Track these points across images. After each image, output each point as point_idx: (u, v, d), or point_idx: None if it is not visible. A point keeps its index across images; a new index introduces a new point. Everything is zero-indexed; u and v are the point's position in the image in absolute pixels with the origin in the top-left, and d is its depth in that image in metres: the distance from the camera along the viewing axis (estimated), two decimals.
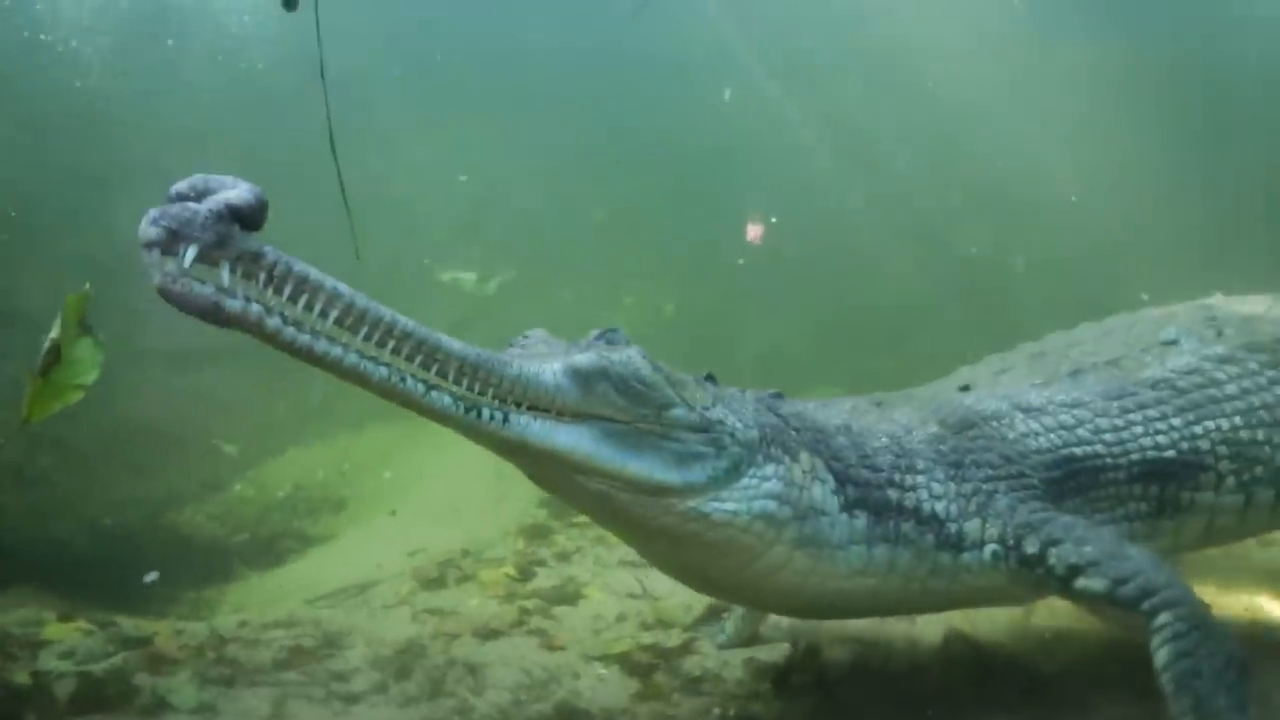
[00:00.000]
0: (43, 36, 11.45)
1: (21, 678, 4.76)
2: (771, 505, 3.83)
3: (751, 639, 5.36)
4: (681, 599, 5.97)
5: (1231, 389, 4.51)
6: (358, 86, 14.32)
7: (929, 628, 5.43)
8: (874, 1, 14.47)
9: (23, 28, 11.48)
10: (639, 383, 3.70)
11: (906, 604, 4.30)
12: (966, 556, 4.05)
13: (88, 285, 4.70)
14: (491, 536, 7.63)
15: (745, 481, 3.81)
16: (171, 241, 2.84)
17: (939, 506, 4.07)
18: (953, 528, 4.05)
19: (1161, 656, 3.77)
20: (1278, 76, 12.37)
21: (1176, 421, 4.40)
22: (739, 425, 3.87)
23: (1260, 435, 4.46)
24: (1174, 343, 4.68)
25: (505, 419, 3.45)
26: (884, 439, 4.20)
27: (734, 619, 5.40)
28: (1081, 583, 3.90)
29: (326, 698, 4.79)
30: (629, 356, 3.72)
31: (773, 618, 5.46)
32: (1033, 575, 4.00)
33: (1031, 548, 3.98)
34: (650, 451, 3.69)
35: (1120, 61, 12.99)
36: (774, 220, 12.93)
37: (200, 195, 2.90)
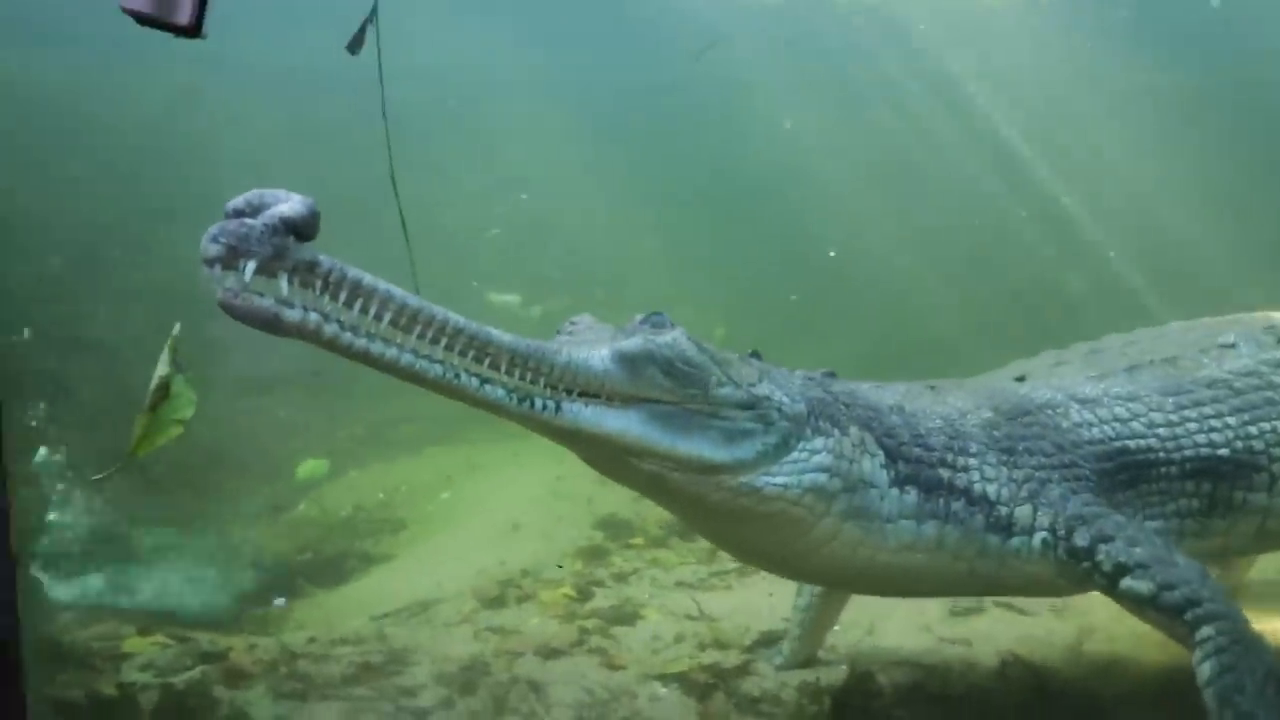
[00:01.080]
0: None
1: (107, 689, 4.94)
2: (821, 478, 3.87)
3: (809, 660, 5.38)
4: (739, 621, 6.03)
5: None
6: (417, 119, 14.68)
7: (985, 651, 5.46)
8: (939, 32, 14.49)
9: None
10: (685, 364, 3.75)
11: (953, 585, 4.31)
12: (1015, 541, 4.08)
13: (178, 326, 4.95)
14: (549, 558, 7.70)
15: (795, 455, 3.85)
16: (231, 257, 2.92)
17: (990, 489, 4.10)
18: (1004, 511, 4.08)
19: (1205, 671, 3.79)
20: None
21: (1231, 421, 4.40)
22: (786, 400, 3.90)
23: None
24: (1232, 346, 4.67)
25: (558, 407, 3.52)
26: (938, 420, 4.23)
27: (790, 640, 5.42)
28: (1127, 583, 3.92)
29: (396, 712, 4.90)
30: (674, 339, 3.76)
31: (830, 639, 5.51)
32: (1079, 568, 4.02)
33: (1082, 540, 4.00)
34: (699, 431, 3.73)
35: (1185, 87, 12.94)
36: (831, 254, 12.90)
37: (256, 210, 2.99)
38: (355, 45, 3.56)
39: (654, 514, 8.37)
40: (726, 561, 7.45)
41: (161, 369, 5.30)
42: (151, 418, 5.13)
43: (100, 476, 5.91)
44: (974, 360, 5.04)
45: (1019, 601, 6.11)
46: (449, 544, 8.79)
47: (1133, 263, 11.22)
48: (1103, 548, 3.98)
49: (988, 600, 6.16)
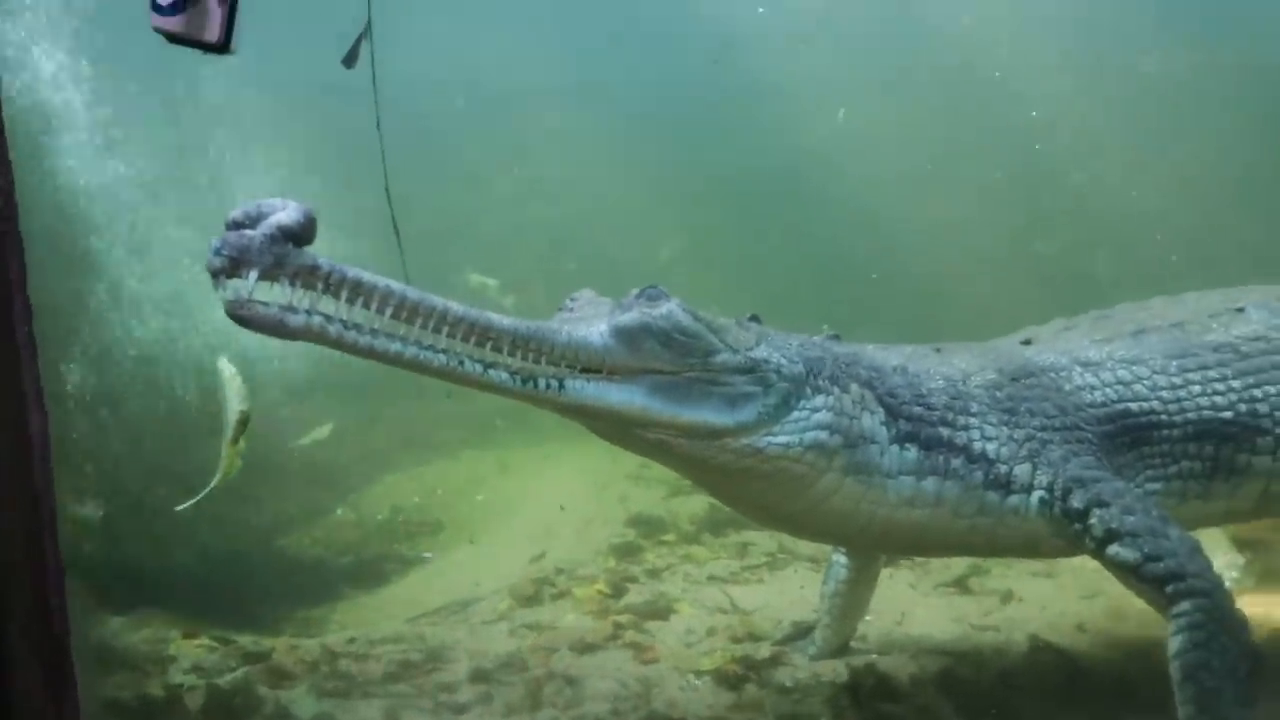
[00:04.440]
0: None
1: (155, 690, 5.08)
2: (823, 435, 3.95)
3: (841, 650, 5.42)
4: (771, 613, 6.10)
5: None
6: (439, 122, 14.84)
7: (1016, 636, 5.49)
8: (955, 23, 14.42)
9: None
10: (681, 334, 3.82)
11: (953, 542, 4.36)
12: (1014, 499, 4.13)
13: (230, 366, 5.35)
14: (583, 556, 7.76)
15: (796, 414, 3.93)
16: (235, 268, 3.05)
17: (990, 447, 4.15)
18: (1003, 469, 4.14)
19: (1175, 644, 3.85)
20: None
21: (1236, 384, 4.40)
22: (784, 362, 3.98)
23: None
24: (1241, 311, 4.66)
25: (561, 385, 3.62)
26: (940, 381, 4.29)
27: (821, 630, 5.46)
28: (1115, 549, 3.97)
29: (435, 708, 4.98)
30: (669, 310, 3.83)
31: (861, 628, 5.55)
32: (1072, 529, 4.06)
33: (1078, 502, 4.04)
34: (700, 398, 3.81)
35: (1209, 66, 12.80)
36: (874, 276, 12.74)
37: (255, 221, 3.09)
38: (350, 60, 3.64)
39: (686, 511, 8.43)
40: (758, 555, 7.51)
41: (239, 404, 5.65)
42: (234, 450, 5.54)
43: (184, 507, 6.12)
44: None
45: (1048, 588, 6.14)
46: (485, 545, 8.88)
47: (1165, 247, 11.11)
48: (1096, 512, 4.02)
49: (1017, 587, 6.19)
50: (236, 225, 3.10)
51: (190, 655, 5.80)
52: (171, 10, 3.29)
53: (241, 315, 3.13)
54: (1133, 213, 12.05)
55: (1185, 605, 3.88)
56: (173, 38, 3.37)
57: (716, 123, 15.32)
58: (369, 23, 3.64)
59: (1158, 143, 12.68)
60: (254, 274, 3.05)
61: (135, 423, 9.57)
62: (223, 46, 3.36)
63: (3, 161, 3.33)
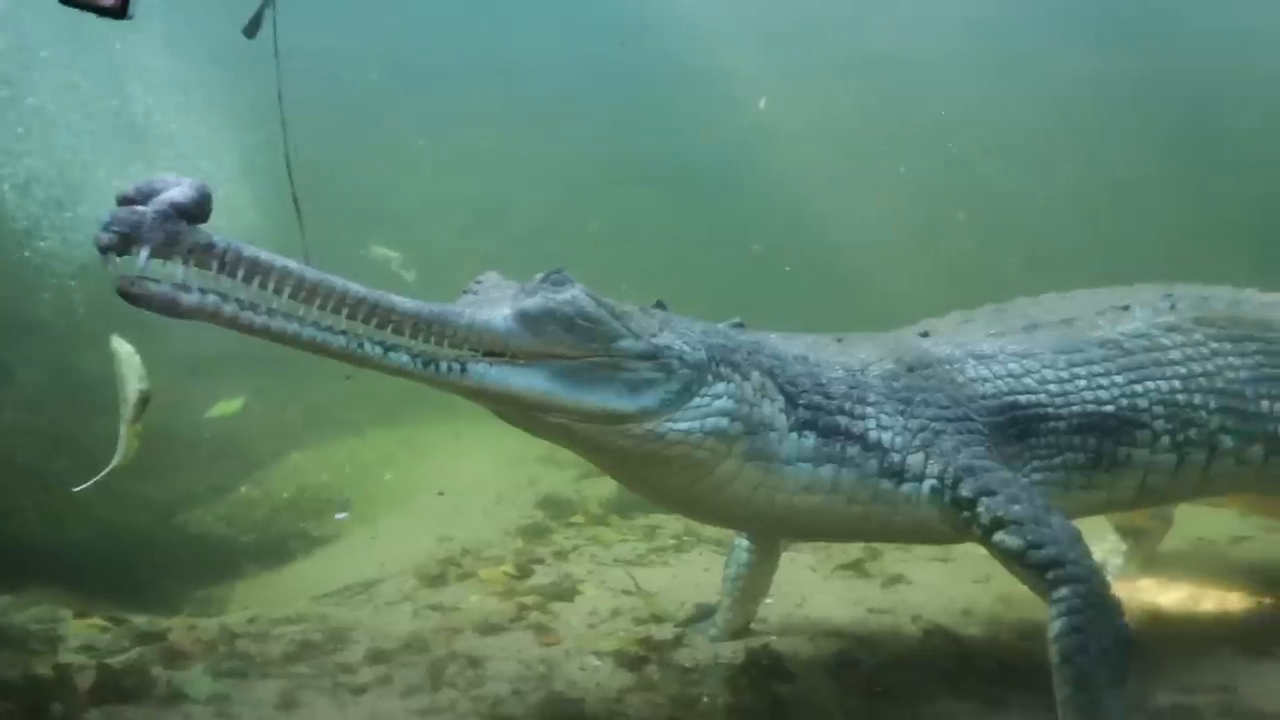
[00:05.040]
0: None
1: (44, 670, 4.91)
2: (723, 422, 4.00)
3: (742, 631, 5.50)
4: (674, 595, 6.14)
5: (1175, 355, 4.70)
6: (357, 94, 14.57)
7: (910, 621, 5.63)
8: (873, 15, 14.59)
9: None
10: (585, 320, 3.82)
11: (849, 528, 4.45)
12: (906, 488, 4.24)
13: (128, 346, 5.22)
14: (490, 537, 7.75)
15: (697, 401, 3.96)
16: (125, 245, 2.97)
17: (885, 436, 4.25)
18: (896, 458, 4.23)
19: (1054, 628, 3.99)
20: (1269, 90, 12.53)
21: (1119, 379, 4.58)
22: (686, 349, 4.00)
23: (1197, 400, 4.66)
24: (1126, 309, 4.85)
25: (463, 369, 3.60)
26: (840, 371, 4.37)
27: (722, 612, 5.54)
28: (1000, 536, 4.10)
29: (334, 688, 4.92)
30: (573, 295, 3.83)
31: (762, 611, 5.64)
32: (960, 516, 4.18)
33: (966, 491, 4.16)
34: (603, 383, 3.83)
35: (1114, 72, 13.16)
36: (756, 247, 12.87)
37: (146, 197, 3.02)
38: (252, 29, 3.57)
39: (595, 493, 8.49)
40: (665, 538, 7.59)
41: (138, 383, 5.50)
42: (135, 430, 5.40)
43: (83, 487, 5.94)
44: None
45: (942, 572, 6.32)
46: (392, 524, 8.82)
47: (1063, 243, 11.46)
48: (984, 500, 4.14)
49: (912, 571, 6.36)
50: (128, 201, 3.01)
51: (82, 635, 5.64)
52: None
53: (132, 293, 3.05)
54: (1037, 210, 12.37)
55: (1064, 591, 4.04)
56: (68, 1, 3.28)
57: (640, 106, 15.32)
58: None
59: (1062, 144, 13.03)
60: (145, 251, 2.98)
61: (32, 393, 9.31)
62: (120, 11, 3.29)
63: None
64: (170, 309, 3.10)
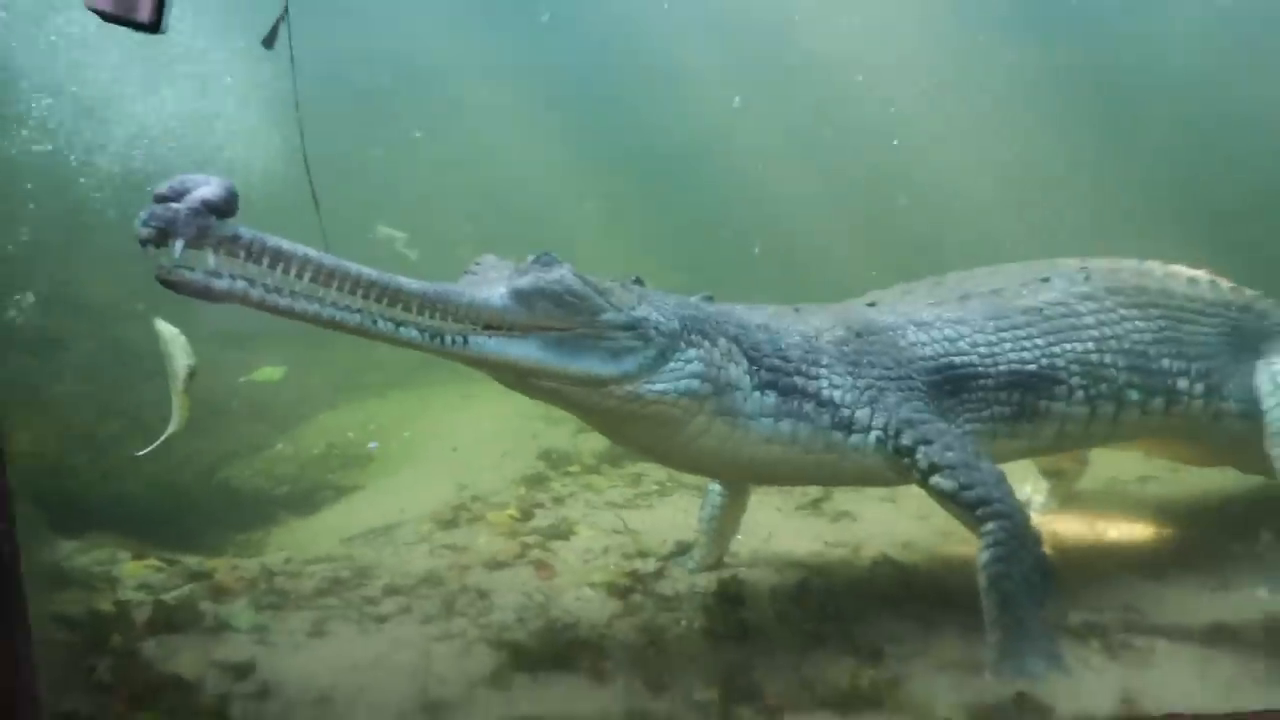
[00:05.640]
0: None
1: (105, 606, 4.95)
2: (695, 383, 4.08)
3: (716, 564, 5.58)
4: (658, 534, 6.19)
5: (1089, 320, 4.78)
6: (373, 93, 14.42)
7: (861, 553, 5.71)
8: (831, 17, 14.43)
9: None
10: (571, 296, 3.89)
11: (805, 474, 4.55)
12: (855, 438, 4.32)
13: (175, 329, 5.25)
14: (497, 485, 7.76)
15: (671, 365, 4.04)
16: (161, 238, 3.03)
17: (836, 394, 4.32)
18: (846, 412, 4.31)
19: (984, 557, 4.11)
20: (1189, 82, 12.53)
21: (1040, 342, 4.66)
22: (661, 319, 4.07)
23: (1107, 359, 4.75)
24: (1047, 280, 4.92)
25: (465, 341, 3.67)
26: (797, 337, 4.43)
27: (698, 548, 5.62)
28: (936, 479, 4.21)
29: (359, 618, 4.98)
30: (561, 275, 3.90)
31: (734, 546, 5.71)
32: (902, 463, 4.29)
33: (907, 440, 4.26)
34: (588, 351, 3.90)
35: (1045, 64, 13.10)
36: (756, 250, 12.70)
37: (180, 195, 3.06)
38: (269, 41, 3.55)
39: (588, 446, 8.51)
40: (650, 484, 7.64)
41: (185, 359, 5.55)
42: (185, 401, 5.45)
43: (144, 452, 5.99)
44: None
45: (889, 511, 6.39)
46: (409, 474, 8.84)
47: (999, 224, 11.45)
48: (922, 448, 4.24)
49: (864, 509, 6.44)
50: (162, 199, 3.05)
51: (138, 575, 5.68)
52: None
53: (169, 280, 3.11)
54: (976, 195, 12.36)
55: (991, 526, 4.14)
56: (106, 16, 3.24)
57: (623, 103, 15.19)
58: (286, 7, 3.55)
59: (999, 134, 12.99)
60: (179, 244, 3.02)
61: (89, 364, 9.27)
62: (154, 26, 3.25)
63: None
64: (204, 294, 3.14)
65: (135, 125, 11.04)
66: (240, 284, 3.18)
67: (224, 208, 3.10)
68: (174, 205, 3.03)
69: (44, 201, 10.22)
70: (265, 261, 3.21)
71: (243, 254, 3.17)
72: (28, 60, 10.46)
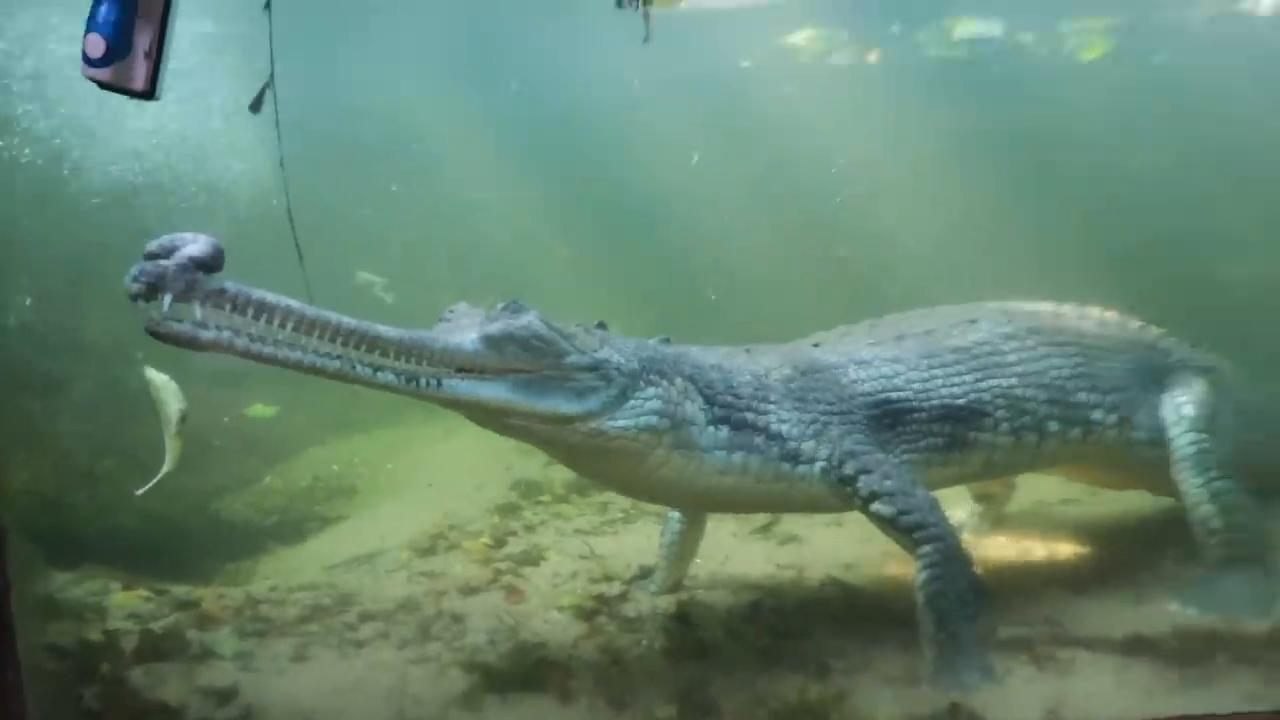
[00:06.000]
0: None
1: (95, 635, 4.83)
2: (654, 419, 4.07)
3: (676, 587, 5.54)
4: (622, 559, 6.12)
5: (1012, 358, 4.83)
6: (369, 153, 14.41)
7: (810, 574, 5.68)
8: (757, 79, 14.63)
9: None
10: (538, 340, 3.88)
11: (757, 502, 4.56)
12: (802, 468, 4.33)
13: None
14: (473, 514, 7.64)
15: (632, 402, 4.03)
16: (151, 293, 3.02)
17: (784, 428, 4.32)
18: (793, 445, 4.32)
19: (921, 577, 4.14)
20: (1092, 143, 12.90)
21: (969, 378, 4.70)
22: (621, 361, 4.07)
23: (1029, 393, 4.79)
24: (974, 322, 4.97)
25: (439, 384, 3.66)
26: (748, 375, 4.43)
27: (660, 572, 5.57)
28: (876, 506, 4.23)
29: (340, 644, 4.89)
30: (528, 321, 3.90)
31: (693, 570, 5.68)
32: (844, 490, 4.29)
33: (849, 470, 4.27)
34: (554, 392, 3.89)
35: (970, 127, 13.38)
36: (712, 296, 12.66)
37: (169, 252, 3.06)
38: (256, 106, 3.56)
39: (559, 477, 8.41)
40: (615, 511, 7.55)
41: (177, 404, 5.50)
42: (180, 441, 5.38)
43: (141, 491, 5.88)
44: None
45: (837, 535, 6.38)
46: (390, 505, 8.71)
47: (930, 269, 11.58)
48: (863, 478, 4.26)
49: (812, 534, 6.42)
50: (152, 256, 3.04)
51: (127, 605, 5.53)
52: (102, 63, 3.17)
53: (159, 332, 3.09)
54: (907, 245, 12.50)
55: (927, 548, 4.16)
56: (103, 85, 3.23)
57: (590, 161, 15.28)
58: (272, 75, 3.56)
59: (929, 192, 13.20)
60: (168, 298, 3.01)
61: (87, 404, 9.07)
62: (148, 94, 3.25)
63: None
64: (191, 344, 3.12)
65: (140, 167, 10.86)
66: (226, 334, 3.16)
67: (211, 264, 3.09)
68: (163, 262, 3.02)
69: (48, 244, 10.05)
70: (250, 313, 3.19)
71: (229, 306, 3.15)
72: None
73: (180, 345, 3.14)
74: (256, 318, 3.20)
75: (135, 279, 3.01)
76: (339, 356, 3.39)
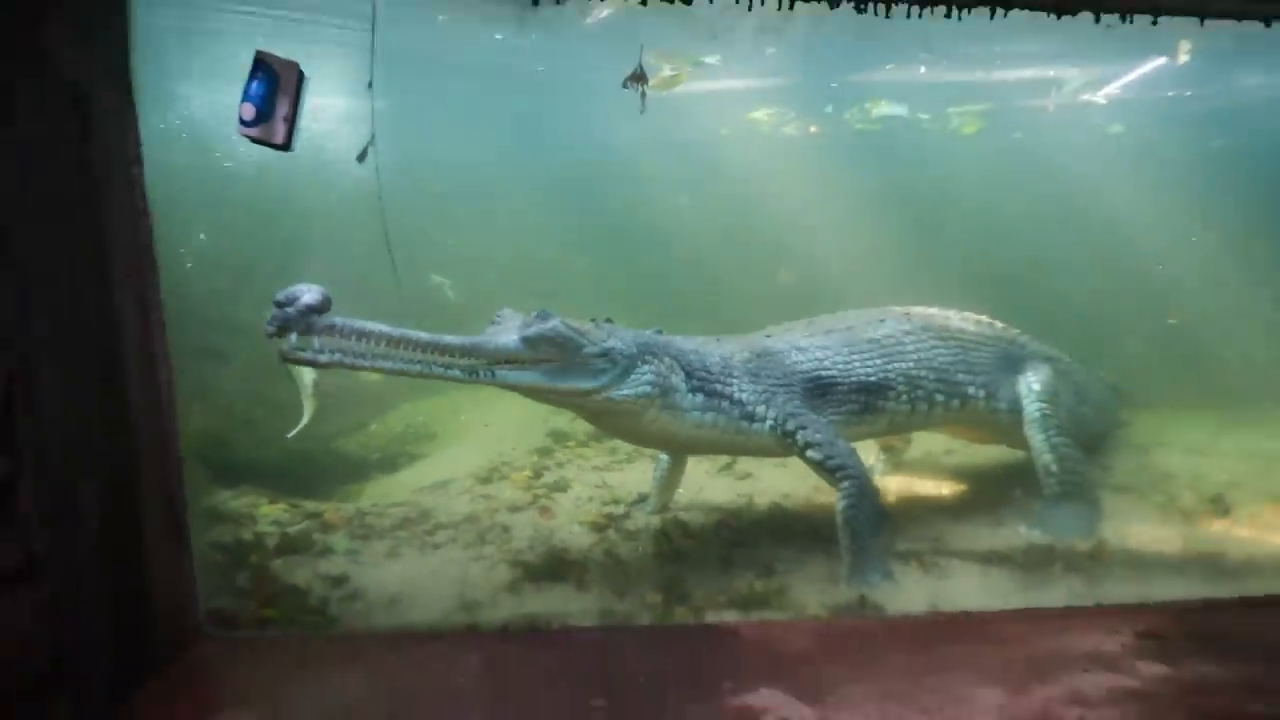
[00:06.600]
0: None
1: (247, 536, 4.85)
2: (648, 389, 4.05)
3: (664, 508, 5.50)
4: (627, 488, 6.08)
5: (910, 348, 4.79)
6: (441, 198, 14.29)
7: (761, 501, 5.64)
8: (731, 140, 14.42)
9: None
10: (561, 339, 3.87)
11: (724, 448, 4.53)
12: (755, 425, 4.30)
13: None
14: (518, 454, 7.60)
15: (632, 378, 4.02)
16: (281, 332, 3.15)
17: (744, 395, 4.30)
18: (749, 408, 4.29)
19: (840, 505, 4.10)
20: (979, 188, 12.86)
21: (878, 362, 4.66)
22: (624, 347, 4.05)
23: (922, 374, 4.76)
24: (882, 321, 4.93)
25: (493, 374, 3.68)
26: (717, 357, 4.39)
27: (652, 497, 5.53)
28: (810, 453, 4.20)
29: (421, 545, 4.89)
30: (554, 325, 3.88)
31: (676, 496, 5.62)
32: (786, 442, 4.26)
33: (790, 426, 4.24)
34: (576, 374, 3.89)
35: (883, 180, 13.25)
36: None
37: (291, 302, 3.16)
38: (361, 157, 3.54)
39: (581, 428, 8.35)
40: (621, 454, 7.50)
41: (312, 374, 5.50)
42: (315, 400, 5.36)
43: (290, 434, 5.92)
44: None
45: (783, 473, 6.32)
46: (462, 444, 8.68)
47: (852, 287, 11.40)
48: (800, 432, 4.22)
49: (762, 473, 6.35)
50: (279, 305, 3.15)
51: (271, 514, 5.52)
52: (253, 124, 3.19)
53: (290, 358, 3.19)
54: (836, 266, 12.37)
55: (846, 484, 4.11)
56: (253, 139, 3.23)
57: (606, 197, 15.18)
58: (373, 135, 3.53)
59: (852, 229, 13.07)
60: (294, 336, 3.13)
61: (244, 369, 9.05)
62: (285, 146, 3.24)
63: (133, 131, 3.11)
64: (314, 363, 3.22)
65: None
66: (337, 355, 3.25)
67: (321, 308, 3.19)
68: (287, 309, 3.13)
69: (218, 252, 9.96)
70: (353, 338, 3.26)
71: (338, 336, 3.23)
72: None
73: (307, 365, 3.25)
74: (359, 341, 3.28)
75: (270, 323, 3.15)
76: (419, 361, 3.45)
